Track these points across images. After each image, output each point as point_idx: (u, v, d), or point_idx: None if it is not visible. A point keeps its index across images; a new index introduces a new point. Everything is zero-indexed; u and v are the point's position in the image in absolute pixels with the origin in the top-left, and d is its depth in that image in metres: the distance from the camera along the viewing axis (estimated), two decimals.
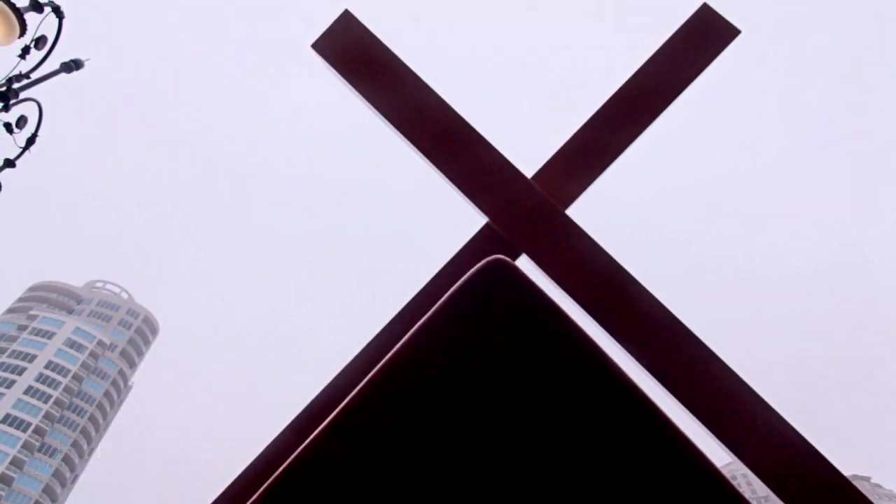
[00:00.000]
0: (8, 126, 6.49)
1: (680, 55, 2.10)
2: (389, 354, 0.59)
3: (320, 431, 0.56)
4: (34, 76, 6.44)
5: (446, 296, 0.60)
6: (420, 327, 0.59)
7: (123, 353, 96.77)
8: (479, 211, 2.03)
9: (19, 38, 5.86)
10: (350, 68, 2.08)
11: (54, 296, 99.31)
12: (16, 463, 77.82)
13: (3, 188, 6.71)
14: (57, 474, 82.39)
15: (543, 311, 0.59)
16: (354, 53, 2.09)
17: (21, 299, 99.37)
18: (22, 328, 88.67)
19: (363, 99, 2.08)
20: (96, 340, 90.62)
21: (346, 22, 2.09)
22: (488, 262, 0.60)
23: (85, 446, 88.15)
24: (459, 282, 0.60)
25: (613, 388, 0.56)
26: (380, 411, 0.56)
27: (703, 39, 2.10)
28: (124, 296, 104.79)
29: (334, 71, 2.08)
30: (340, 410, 0.56)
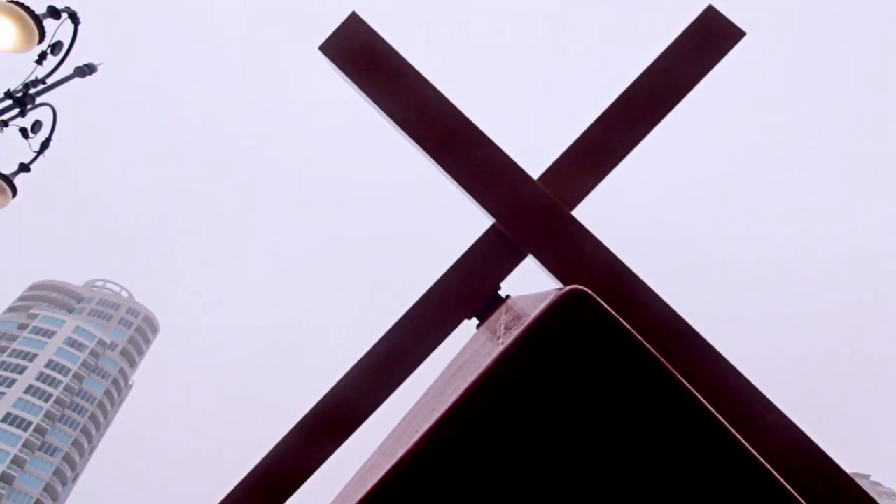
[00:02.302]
0: (24, 131, 6.53)
1: (685, 57, 2.10)
2: (474, 378, 0.60)
3: (410, 449, 0.57)
4: (48, 81, 6.48)
5: (529, 322, 0.61)
6: (503, 353, 0.60)
7: (124, 352, 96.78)
8: (485, 212, 2.04)
9: (38, 44, 5.91)
10: (356, 70, 2.08)
11: (55, 295, 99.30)
12: (17, 462, 77.89)
13: (17, 192, 6.74)
14: (58, 473, 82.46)
15: (625, 344, 0.60)
16: (361, 55, 2.09)
17: (21, 298, 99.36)
18: (22, 327, 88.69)
19: (369, 100, 2.09)
20: (97, 339, 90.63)
21: (353, 24, 2.10)
22: (568, 293, 0.61)
23: (86, 445, 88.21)
24: (540, 309, 0.61)
25: (694, 421, 0.58)
26: (468, 432, 0.57)
27: (708, 41, 2.10)
28: (125, 295, 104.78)
29: (341, 73, 2.09)
30: (430, 429, 0.58)
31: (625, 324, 0.61)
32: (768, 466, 0.58)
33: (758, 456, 0.59)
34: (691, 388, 0.60)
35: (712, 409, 0.59)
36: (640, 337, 0.61)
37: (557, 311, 0.60)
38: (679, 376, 0.60)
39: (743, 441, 0.59)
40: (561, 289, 0.64)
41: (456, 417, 0.57)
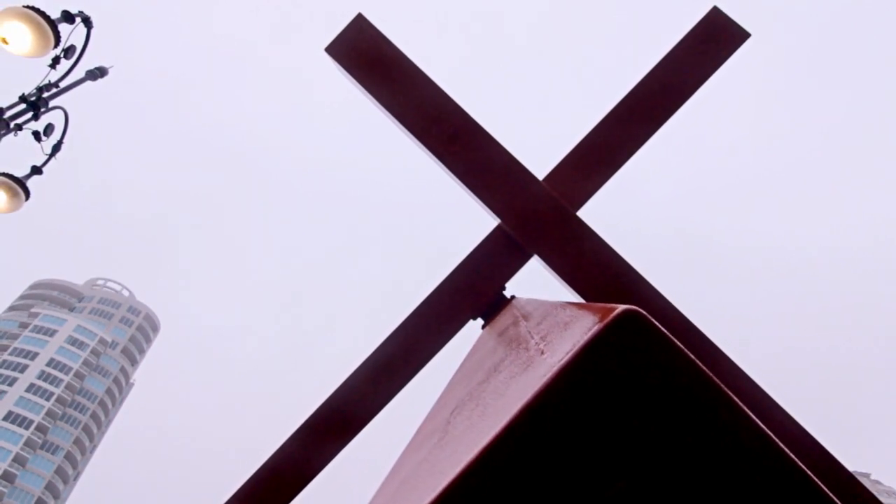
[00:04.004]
0: (36, 134, 6.58)
1: (690, 58, 2.10)
2: (537, 389, 0.61)
3: (472, 460, 0.58)
4: (61, 84, 6.53)
5: (587, 339, 0.62)
6: (560, 370, 0.61)
7: (125, 351, 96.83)
8: (490, 212, 2.04)
9: (53, 48, 5.97)
10: (362, 71, 2.08)
11: (55, 293, 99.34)
12: (18, 460, 77.98)
13: (30, 195, 6.78)
14: (59, 471, 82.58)
15: (679, 364, 0.62)
16: (367, 56, 2.09)
17: (22, 297, 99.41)
18: (24, 326, 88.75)
19: (375, 101, 2.09)
20: (98, 338, 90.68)
21: (359, 25, 2.10)
22: (624, 312, 0.62)
23: (87, 443, 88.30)
24: (597, 328, 0.62)
25: (746, 436, 0.60)
26: (531, 444, 0.59)
27: (713, 42, 2.10)
28: (125, 293, 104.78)
29: (347, 74, 2.09)
30: (492, 440, 0.59)
31: (679, 345, 0.62)
32: (831, 495, 0.59)
33: (805, 470, 0.60)
34: (747, 410, 0.61)
35: (770, 432, 0.61)
36: (694, 357, 0.62)
37: (614, 331, 0.61)
38: (734, 397, 0.61)
39: (808, 471, 0.60)
40: (614, 307, 0.65)
41: (520, 428, 0.58)
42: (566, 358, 0.61)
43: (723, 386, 0.62)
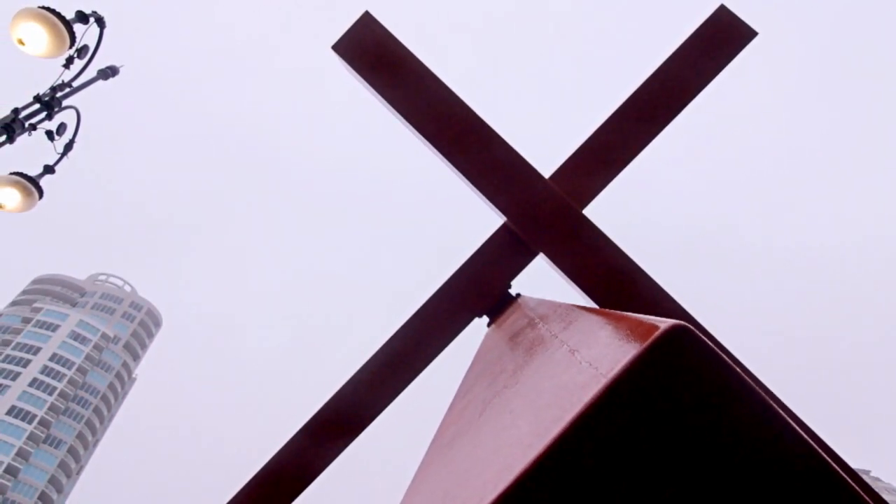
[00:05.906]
0: (49, 134, 6.61)
1: (697, 56, 2.09)
2: (590, 399, 0.62)
3: (527, 468, 0.59)
4: (74, 84, 6.57)
5: (636, 354, 0.63)
6: (613, 381, 0.62)
7: (127, 346, 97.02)
8: (496, 210, 2.04)
9: (68, 49, 6.01)
10: (369, 69, 2.07)
11: (58, 289, 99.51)
12: (22, 454, 78.30)
13: (44, 194, 6.80)
14: (62, 466, 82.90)
15: (729, 380, 0.62)
16: (374, 54, 2.08)
17: (25, 292, 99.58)
18: (26, 321, 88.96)
19: (382, 99, 2.08)
20: (100, 333, 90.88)
21: (366, 23, 2.08)
22: (672, 328, 0.62)
23: (90, 438, 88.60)
24: (647, 343, 0.63)
25: (796, 454, 0.60)
26: (584, 453, 0.59)
27: (720, 41, 2.09)
28: (127, 289, 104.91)
29: (353, 72, 2.08)
30: (544, 450, 0.60)
31: (729, 361, 0.62)
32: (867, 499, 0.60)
33: (856, 487, 0.60)
34: (798, 429, 0.62)
35: (822, 452, 0.61)
36: (743, 374, 0.62)
37: (665, 344, 0.61)
38: (786, 416, 0.62)
39: (863, 493, 0.60)
40: (658, 321, 0.65)
41: (578, 434, 0.59)
42: (618, 368, 0.61)
43: (774, 405, 0.62)
